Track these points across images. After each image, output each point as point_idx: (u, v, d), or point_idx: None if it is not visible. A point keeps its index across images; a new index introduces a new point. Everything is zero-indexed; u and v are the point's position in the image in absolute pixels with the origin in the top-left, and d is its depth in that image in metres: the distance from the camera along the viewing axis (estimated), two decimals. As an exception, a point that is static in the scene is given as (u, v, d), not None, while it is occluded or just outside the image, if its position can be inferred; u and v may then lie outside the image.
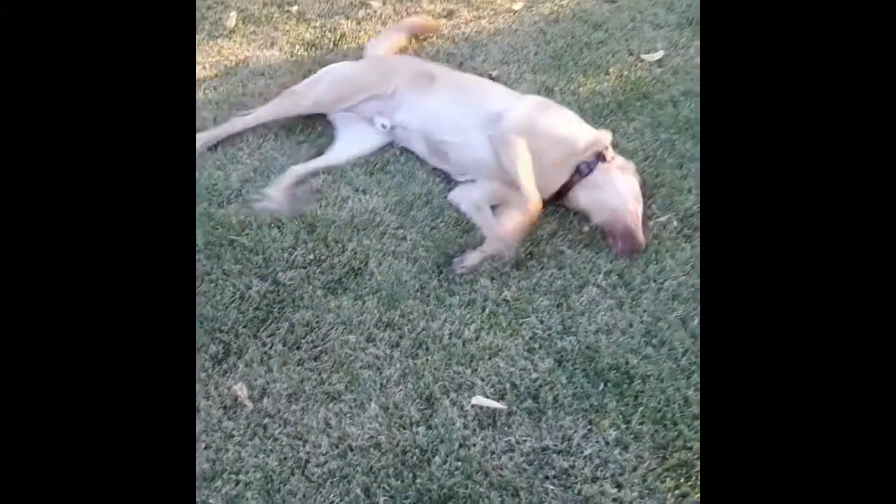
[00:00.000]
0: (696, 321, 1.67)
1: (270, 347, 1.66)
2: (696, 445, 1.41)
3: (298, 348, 1.67)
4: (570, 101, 2.42)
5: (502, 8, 3.06)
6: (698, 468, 1.38)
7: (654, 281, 1.78)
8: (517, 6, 3.07)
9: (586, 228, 1.96)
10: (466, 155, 2.06)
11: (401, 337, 1.68)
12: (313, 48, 2.78)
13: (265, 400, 1.55)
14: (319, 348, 1.67)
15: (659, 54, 2.67)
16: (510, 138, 1.93)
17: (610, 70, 2.59)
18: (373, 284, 1.82)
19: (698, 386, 1.53)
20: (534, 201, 1.86)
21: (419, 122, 2.15)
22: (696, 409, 1.48)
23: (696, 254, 1.84)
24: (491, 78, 2.53)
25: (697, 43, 2.75)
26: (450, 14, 3.02)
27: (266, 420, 1.52)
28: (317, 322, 1.72)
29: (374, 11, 3.03)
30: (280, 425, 1.51)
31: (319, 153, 2.24)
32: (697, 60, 2.64)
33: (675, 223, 1.94)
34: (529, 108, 2.04)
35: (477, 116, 2.05)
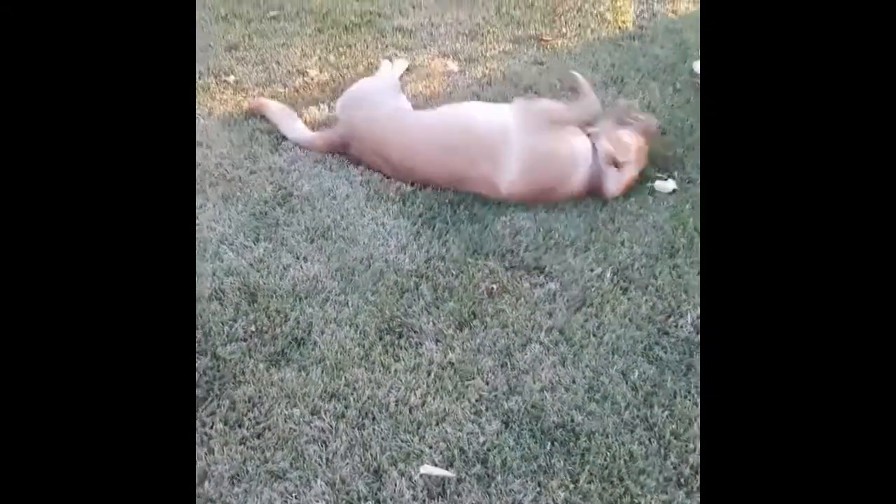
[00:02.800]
0: (637, 373, 1.70)
1: (211, 427, 1.61)
2: (644, 501, 1.42)
3: (240, 426, 1.62)
4: (506, 160, 2.49)
5: (437, 72, 3.16)
6: (646, 524, 1.39)
7: (594, 335, 1.82)
8: (454, 67, 3.18)
9: (526, 285, 2.00)
10: None
11: (346, 407, 1.66)
12: (252, 117, 2.79)
13: (206, 484, 1.50)
14: (262, 425, 1.63)
15: (587, 113, 2.79)
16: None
17: (542, 130, 2.69)
18: (316, 354, 1.80)
19: (641, 440, 1.55)
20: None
21: None
22: (641, 464, 1.50)
23: (633, 306, 1.90)
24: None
25: (621, 102, 2.89)
26: (386, 79, 3.10)
27: (207, 506, 1.46)
28: (259, 397, 1.69)
29: (312, 79, 3.08)
30: (222, 510, 1.45)
31: (260, 224, 2.23)
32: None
33: (609, 276, 2.00)
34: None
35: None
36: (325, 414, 1.64)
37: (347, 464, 1.53)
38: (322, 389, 1.70)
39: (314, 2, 3.75)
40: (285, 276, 2.04)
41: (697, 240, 2.11)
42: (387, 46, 3.40)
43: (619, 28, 3.52)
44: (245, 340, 1.84)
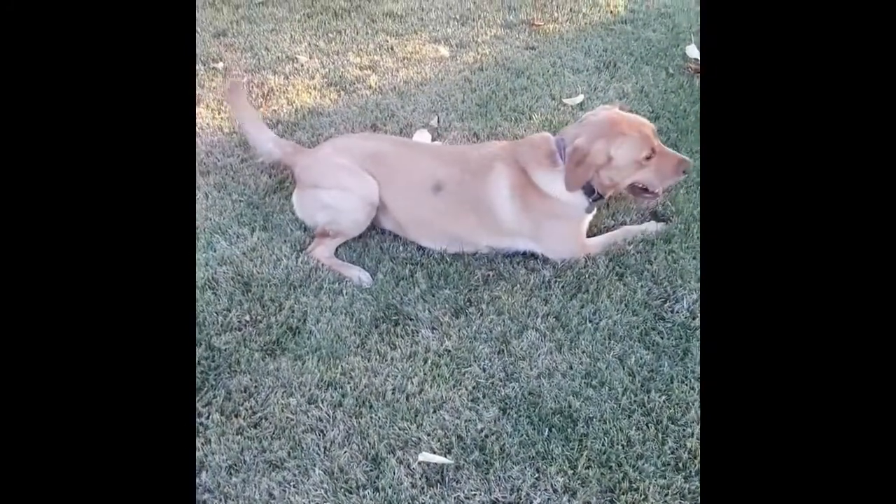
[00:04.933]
0: (633, 359, 1.71)
1: (207, 417, 1.60)
2: (642, 486, 1.43)
3: (237, 416, 1.61)
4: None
5: (428, 57, 3.14)
6: (645, 508, 1.40)
7: (590, 321, 1.82)
8: (445, 52, 3.15)
9: (522, 271, 1.99)
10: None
11: (343, 396, 1.65)
12: (241, 104, 2.76)
13: (203, 474, 1.49)
14: (259, 414, 1.62)
15: (580, 98, 2.78)
16: (569, 259, 2.01)
17: (533, 115, 2.67)
18: (312, 343, 1.79)
19: (639, 425, 1.55)
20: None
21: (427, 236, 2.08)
22: (638, 449, 1.50)
23: (629, 292, 1.89)
24: (425, 127, 2.58)
25: (616, 85, 2.88)
26: (375, 66, 3.07)
27: (206, 496, 1.45)
28: (255, 387, 1.68)
29: (302, 66, 3.05)
30: (220, 500, 1.45)
31: (254, 213, 2.21)
32: (617, 102, 2.76)
33: (604, 262, 1.99)
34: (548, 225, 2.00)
35: (494, 237, 2.03)
36: (322, 403, 1.63)
37: (345, 452, 1.53)
38: (318, 378, 1.69)
39: (303, -13, 3.71)
40: (279, 266, 2.02)
41: (693, 225, 2.11)
42: (377, 32, 3.37)
43: (612, 12, 3.51)
44: (240, 330, 1.83)
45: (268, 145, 2.25)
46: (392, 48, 3.21)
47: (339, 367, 1.72)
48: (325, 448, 1.54)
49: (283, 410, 1.62)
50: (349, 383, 1.68)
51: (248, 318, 1.86)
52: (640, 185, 1.99)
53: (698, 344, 1.73)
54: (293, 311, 1.87)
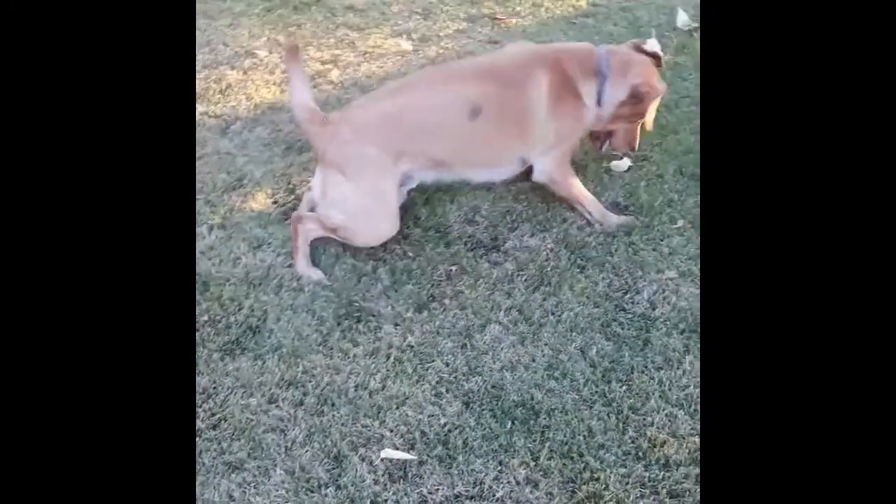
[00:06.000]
0: (595, 350, 1.72)
1: (164, 420, 1.57)
2: (603, 476, 1.44)
3: (195, 417, 1.58)
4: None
5: (390, 51, 3.11)
6: (606, 499, 1.41)
7: (553, 314, 1.82)
8: (407, 47, 3.13)
9: (485, 265, 1.99)
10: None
11: (304, 394, 1.63)
12: (199, 100, 2.70)
13: (160, 478, 1.46)
14: (218, 415, 1.59)
15: (542, 92, 2.78)
16: (557, 182, 2.16)
17: (497, 109, 2.67)
18: (272, 342, 1.76)
19: (600, 415, 1.57)
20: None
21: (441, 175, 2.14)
22: (600, 439, 1.51)
23: (590, 284, 1.91)
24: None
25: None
26: (336, 60, 3.04)
27: (162, 500, 1.42)
28: (214, 388, 1.65)
29: (261, 60, 3.00)
30: None
31: (212, 211, 2.17)
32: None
33: (566, 254, 2.00)
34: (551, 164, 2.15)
35: (522, 148, 2.12)
36: (283, 402, 1.61)
37: (307, 451, 1.51)
38: (279, 377, 1.67)
39: (262, -20, 3.65)
40: (238, 264, 1.99)
41: (655, 217, 2.13)
42: (338, 26, 3.33)
43: (573, 6, 3.52)
44: (198, 330, 1.79)
45: (299, 102, 2.00)
46: (353, 42, 3.18)
47: (301, 365, 1.70)
48: (286, 448, 1.52)
49: (242, 411, 1.59)
50: (310, 382, 1.66)
51: (206, 318, 1.83)
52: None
53: (658, 334, 1.75)
54: (253, 311, 1.85)
